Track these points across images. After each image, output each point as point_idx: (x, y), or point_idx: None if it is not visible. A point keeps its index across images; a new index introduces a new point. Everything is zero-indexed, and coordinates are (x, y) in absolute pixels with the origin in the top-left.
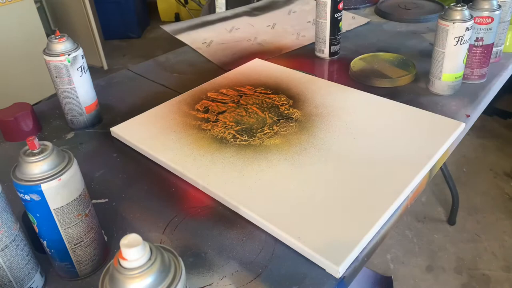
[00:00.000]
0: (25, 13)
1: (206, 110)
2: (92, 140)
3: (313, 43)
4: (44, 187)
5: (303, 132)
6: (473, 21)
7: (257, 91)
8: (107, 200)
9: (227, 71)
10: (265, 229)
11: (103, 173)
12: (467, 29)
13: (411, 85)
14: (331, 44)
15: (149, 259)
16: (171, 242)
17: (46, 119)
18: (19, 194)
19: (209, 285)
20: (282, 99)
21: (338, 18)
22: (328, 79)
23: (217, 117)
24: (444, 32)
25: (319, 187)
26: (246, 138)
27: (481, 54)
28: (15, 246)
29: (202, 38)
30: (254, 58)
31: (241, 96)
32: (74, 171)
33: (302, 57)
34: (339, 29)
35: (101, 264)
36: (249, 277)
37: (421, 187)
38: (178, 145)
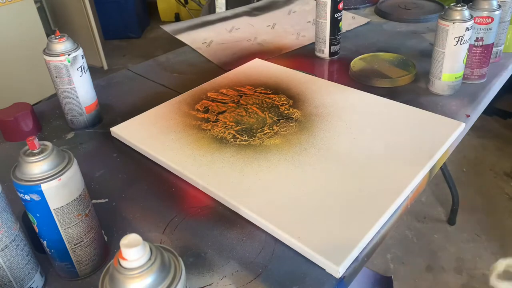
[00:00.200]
0: (25, 13)
1: (206, 110)
2: (92, 140)
3: (313, 43)
4: (44, 187)
5: (303, 132)
6: (473, 21)
7: (257, 91)
8: (107, 200)
9: (227, 71)
10: (265, 229)
11: (103, 173)
12: (467, 29)
13: (411, 85)
14: (331, 44)
15: (149, 259)
16: (171, 242)
17: (46, 119)
18: (19, 194)
19: (209, 285)
20: (282, 99)
21: (338, 18)
22: (328, 79)
23: (217, 117)
24: (444, 32)
25: (319, 187)
26: (246, 138)
27: (481, 54)
28: (15, 246)
29: (202, 38)
30: (254, 58)
31: (241, 96)
32: (74, 171)
33: (302, 57)
34: (339, 29)
35: (101, 264)
36: (249, 277)
37: (421, 187)
38: (178, 145)
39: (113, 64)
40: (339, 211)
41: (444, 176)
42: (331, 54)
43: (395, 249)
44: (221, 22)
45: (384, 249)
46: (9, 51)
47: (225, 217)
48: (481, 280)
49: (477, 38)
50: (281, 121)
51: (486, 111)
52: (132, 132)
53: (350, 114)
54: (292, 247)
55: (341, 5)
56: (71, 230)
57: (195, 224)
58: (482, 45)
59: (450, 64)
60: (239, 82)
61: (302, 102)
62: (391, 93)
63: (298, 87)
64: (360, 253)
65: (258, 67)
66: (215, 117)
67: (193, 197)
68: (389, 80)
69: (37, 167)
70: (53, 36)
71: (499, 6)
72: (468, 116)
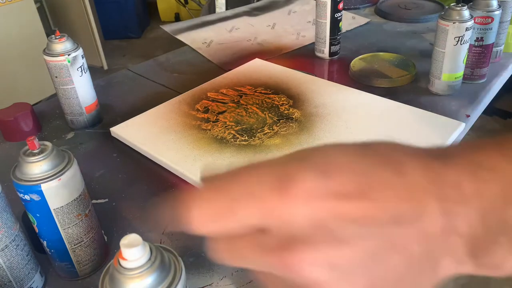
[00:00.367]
0: (25, 13)
1: (206, 110)
2: (92, 140)
3: (313, 43)
4: (44, 187)
5: (303, 132)
6: (473, 21)
7: (257, 91)
8: (107, 200)
9: (227, 71)
10: None
11: (103, 173)
12: (467, 29)
13: (411, 85)
14: (331, 44)
15: (149, 259)
16: (171, 242)
17: (46, 119)
18: (19, 194)
19: (209, 285)
20: (282, 99)
21: (338, 18)
22: (328, 79)
23: (217, 117)
24: (444, 32)
25: None
26: (246, 138)
27: (481, 54)
28: (15, 246)
29: (202, 38)
30: (254, 58)
31: (241, 96)
32: (74, 171)
33: (302, 57)
34: (339, 29)
35: (101, 264)
36: (249, 277)
37: None
38: (178, 145)
39: (113, 64)
40: None
41: None
42: (331, 54)
43: None
44: (221, 22)
45: None
46: (9, 51)
47: None
48: (481, 280)
49: (477, 38)
50: (281, 121)
51: (486, 111)
52: (132, 132)
53: (350, 114)
54: None
55: (341, 5)
56: (71, 230)
57: None
58: (482, 45)
59: (450, 64)
60: (239, 82)
61: (302, 102)
62: (391, 93)
63: (298, 87)
64: None
65: (258, 67)
66: (215, 117)
67: None
68: (389, 80)
69: (37, 167)
70: (53, 36)
71: (499, 6)
72: (468, 116)
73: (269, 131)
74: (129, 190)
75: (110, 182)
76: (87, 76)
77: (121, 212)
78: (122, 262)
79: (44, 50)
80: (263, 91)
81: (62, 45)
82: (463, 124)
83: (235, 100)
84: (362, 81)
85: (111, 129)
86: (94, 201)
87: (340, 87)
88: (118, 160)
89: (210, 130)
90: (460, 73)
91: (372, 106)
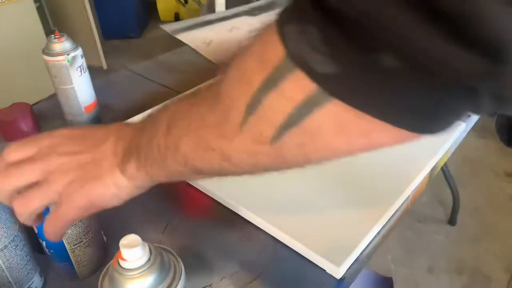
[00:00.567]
0: (24, 13)
1: None
2: None
3: None
4: None
5: None
6: None
7: None
8: None
9: None
10: (265, 230)
11: None
12: None
13: None
14: None
15: (149, 259)
16: (171, 243)
17: (46, 119)
18: None
19: (209, 285)
20: None
21: None
22: None
23: None
24: None
25: (319, 187)
26: None
27: None
28: (14, 247)
29: (202, 38)
30: None
31: None
32: None
33: None
34: None
35: (101, 264)
36: (249, 277)
37: (421, 187)
38: None
39: (113, 64)
40: (340, 211)
41: (445, 177)
42: None
43: (396, 249)
44: (221, 22)
45: (384, 249)
46: (8, 51)
47: (225, 217)
48: (481, 281)
49: None
50: None
51: None
52: None
53: None
54: (292, 247)
55: None
56: (70, 231)
57: (195, 225)
58: None
59: None
60: None
61: None
62: None
63: None
64: (361, 254)
65: None
66: None
67: (193, 197)
68: None
69: None
70: (52, 35)
71: None
72: (468, 116)
73: None
74: None
75: None
76: (86, 76)
77: (121, 213)
78: (122, 263)
79: (43, 50)
80: None
81: (61, 45)
82: (464, 124)
83: None
84: None
85: None
86: None
87: None
88: None
89: None
90: None
91: None
